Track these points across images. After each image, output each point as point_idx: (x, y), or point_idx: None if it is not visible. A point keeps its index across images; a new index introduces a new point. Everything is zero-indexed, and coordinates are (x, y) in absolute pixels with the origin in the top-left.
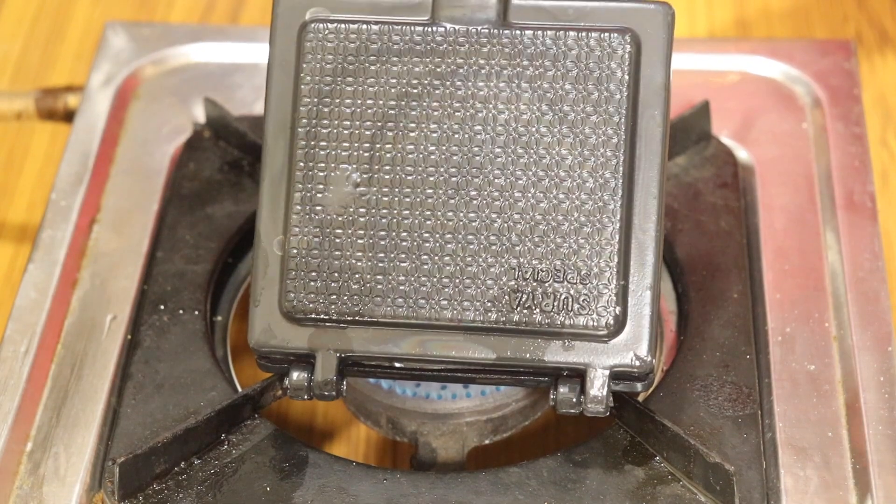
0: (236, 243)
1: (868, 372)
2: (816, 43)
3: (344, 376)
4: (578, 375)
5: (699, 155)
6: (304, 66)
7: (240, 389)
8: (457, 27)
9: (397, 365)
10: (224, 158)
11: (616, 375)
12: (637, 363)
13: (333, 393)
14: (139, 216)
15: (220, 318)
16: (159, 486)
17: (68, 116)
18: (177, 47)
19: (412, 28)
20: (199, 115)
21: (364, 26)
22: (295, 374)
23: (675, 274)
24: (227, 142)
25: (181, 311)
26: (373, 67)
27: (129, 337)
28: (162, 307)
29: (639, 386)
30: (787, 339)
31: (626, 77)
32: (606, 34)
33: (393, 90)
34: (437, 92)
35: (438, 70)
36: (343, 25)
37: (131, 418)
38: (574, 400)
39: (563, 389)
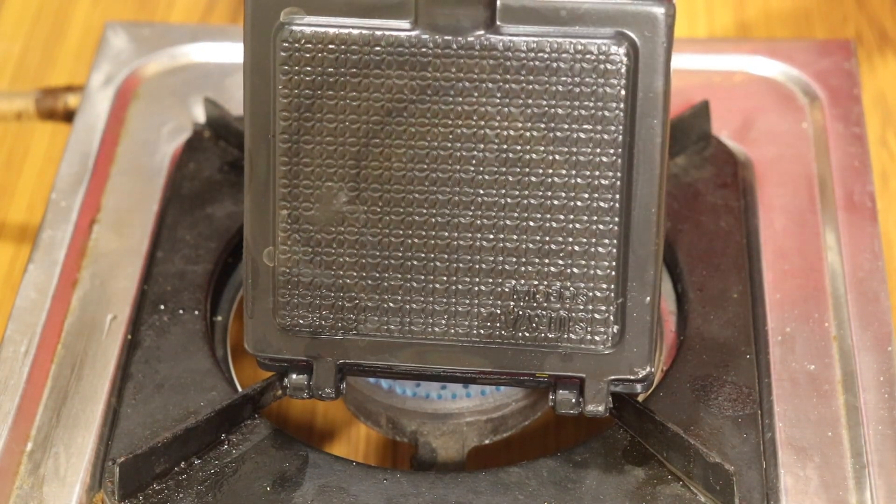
0: (236, 243)
1: (868, 372)
2: (816, 43)
3: (343, 378)
4: (578, 379)
5: (699, 155)
6: (282, 77)
7: (240, 389)
8: (443, 37)
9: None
10: (224, 158)
11: (615, 380)
12: (635, 375)
13: (332, 394)
14: (139, 216)
15: (220, 318)
16: (159, 486)
17: (68, 116)
18: (177, 47)
19: (395, 35)
20: (199, 115)
21: (343, 31)
22: (294, 375)
23: (675, 274)
24: (227, 142)
25: (181, 311)
26: (354, 80)
27: (129, 337)
28: (162, 307)
29: (638, 388)
30: (787, 339)
31: (623, 92)
32: (603, 44)
33: (377, 104)
34: (424, 107)
35: (425, 84)
36: (321, 30)
37: (131, 418)
38: (573, 401)
39: (562, 391)
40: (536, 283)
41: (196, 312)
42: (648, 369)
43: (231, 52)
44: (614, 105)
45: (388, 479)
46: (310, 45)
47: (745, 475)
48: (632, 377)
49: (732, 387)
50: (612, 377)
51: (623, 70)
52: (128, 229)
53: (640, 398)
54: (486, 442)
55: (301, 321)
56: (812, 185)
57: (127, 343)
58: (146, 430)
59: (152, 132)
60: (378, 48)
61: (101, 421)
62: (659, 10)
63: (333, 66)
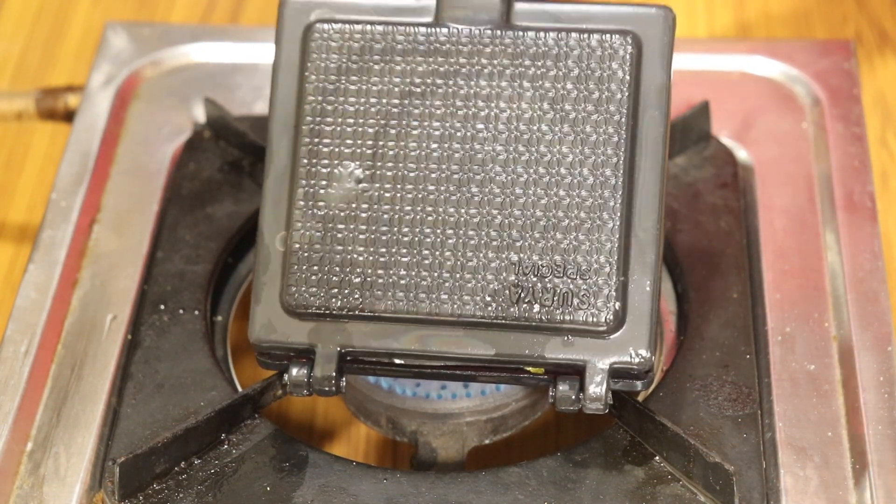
0: (236, 243)
1: (868, 372)
2: (816, 43)
3: (343, 372)
4: (577, 373)
5: (699, 155)
6: (309, 65)
7: (240, 389)
8: (460, 27)
9: (397, 361)
10: (224, 158)
11: (615, 373)
12: (636, 360)
13: (333, 388)
14: (139, 216)
15: (220, 318)
16: (159, 486)
17: (68, 116)
18: (177, 47)
19: (416, 29)
20: (199, 115)
21: (368, 27)
22: (294, 370)
23: (675, 274)
24: (227, 142)
25: (181, 311)
26: (377, 66)
27: (129, 337)
28: (162, 307)
29: (638, 385)
30: (787, 339)
31: (627, 77)
32: (608, 35)
33: (396, 89)
34: (439, 91)
35: (441, 69)
36: (348, 26)
37: (131, 418)
38: (573, 397)
39: (562, 387)
40: (541, 257)
41: (196, 312)
42: (649, 354)
43: (231, 52)
44: (618, 87)
45: (388, 479)
46: (337, 36)
47: (745, 475)
48: (632, 364)
49: (732, 387)
50: (613, 360)
51: (627, 57)
52: (128, 229)
53: (640, 398)
54: (486, 442)
55: (310, 298)
56: (812, 185)
57: (127, 343)
58: (146, 430)
59: (152, 132)
60: (400, 37)
61: (101, 421)
62: (660, 13)
63: (358, 54)
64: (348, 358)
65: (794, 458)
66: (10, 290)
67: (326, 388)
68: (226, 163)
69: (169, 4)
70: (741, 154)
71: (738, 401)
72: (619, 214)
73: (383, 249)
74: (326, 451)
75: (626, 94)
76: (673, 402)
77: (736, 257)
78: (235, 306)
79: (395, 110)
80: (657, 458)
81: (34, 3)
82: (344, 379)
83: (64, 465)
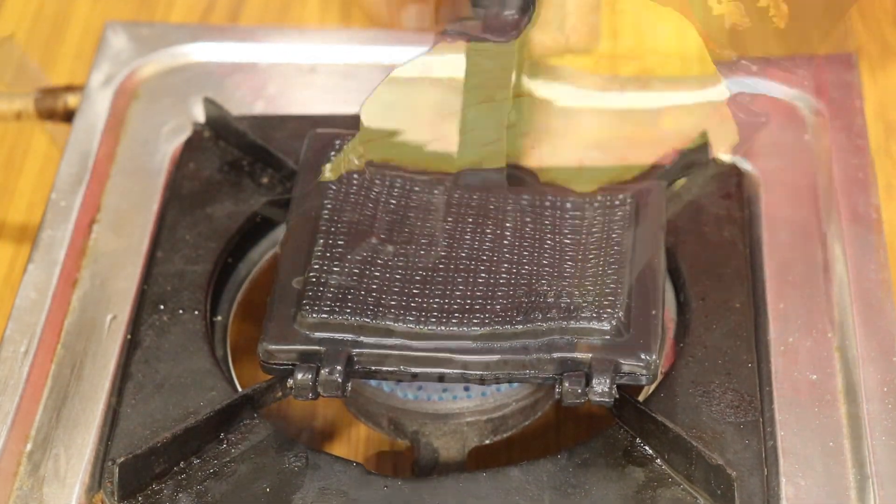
0: (236, 243)
1: (871, 382)
2: (817, 56)
3: (350, 376)
4: (583, 371)
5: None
6: (329, 192)
7: (240, 389)
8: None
9: (402, 368)
10: (224, 158)
11: (620, 371)
12: (641, 363)
13: (339, 392)
14: (139, 216)
15: (220, 318)
16: (159, 487)
17: (68, 116)
18: (177, 47)
19: (433, 184)
20: (199, 115)
21: (388, 180)
22: (300, 375)
23: (678, 284)
24: (227, 142)
25: (181, 311)
26: (395, 192)
27: (129, 337)
28: (162, 307)
29: (643, 379)
30: (790, 349)
31: (628, 208)
32: (609, 194)
33: (412, 204)
34: (451, 209)
35: (453, 200)
36: (367, 177)
37: (131, 418)
38: (579, 391)
39: (567, 383)
40: (548, 279)
41: (196, 312)
42: (654, 357)
43: (231, 53)
44: (620, 202)
45: (388, 484)
46: (356, 181)
47: (747, 481)
48: (637, 366)
49: (734, 394)
50: (618, 361)
51: (627, 208)
52: (128, 229)
53: (640, 397)
54: (487, 442)
55: (322, 315)
56: (815, 196)
57: (127, 343)
58: (146, 430)
59: (152, 132)
60: (417, 188)
61: (100, 421)
62: (654, 182)
63: (379, 179)
64: (355, 364)
65: (796, 466)
66: (10, 290)
67: (332, 392)
68: (226, 163)
69: (169, 4)
70: (744, 166)
71: (740, 408)
72: (623, 240)
73: (398, 276)
74: (326, 451)
75: (627, 221)
76: (674, 407)
77: (739, 267)
78: (235, 306)
79: (410, 215)
80: (658, 459)
81: (34, 3)
82: (349, 384)
83: (63, 466)
